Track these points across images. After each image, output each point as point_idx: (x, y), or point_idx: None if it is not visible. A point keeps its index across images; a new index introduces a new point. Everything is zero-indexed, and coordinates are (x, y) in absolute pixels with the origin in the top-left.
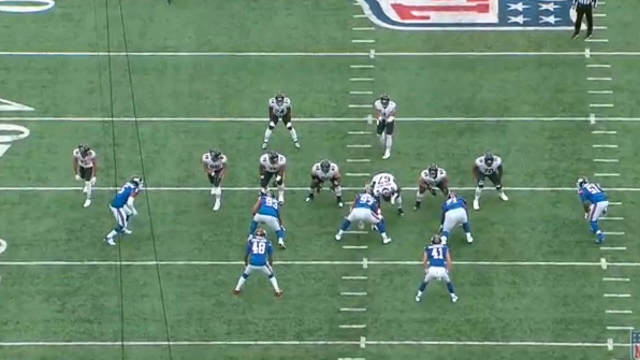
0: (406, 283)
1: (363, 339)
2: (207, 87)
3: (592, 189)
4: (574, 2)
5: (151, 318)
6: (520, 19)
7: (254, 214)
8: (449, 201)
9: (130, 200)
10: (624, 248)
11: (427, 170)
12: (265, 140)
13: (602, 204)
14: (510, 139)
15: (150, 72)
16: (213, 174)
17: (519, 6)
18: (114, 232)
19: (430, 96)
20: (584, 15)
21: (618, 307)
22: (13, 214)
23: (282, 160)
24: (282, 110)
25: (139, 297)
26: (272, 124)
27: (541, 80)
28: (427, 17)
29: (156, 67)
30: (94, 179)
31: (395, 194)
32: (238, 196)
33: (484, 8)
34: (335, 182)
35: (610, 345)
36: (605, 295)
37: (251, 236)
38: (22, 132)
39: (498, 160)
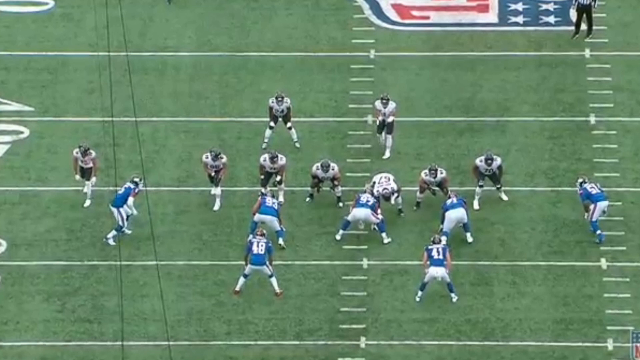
0: (406, 283)
1: (363, 339)
2: (207, 87)
3: (592, 189)
4: (574, 2)
5: (151, 318)
6: (520, 19)
7: (254, 214)
8: (449, 201)
9: (130, 200)
10: (624, 248)
11: (427, 170)
12: (265, 140)
13: (602, 204)
14: (510, 139)
15: (150, 72)
16: (213, 174)
17: (519, 6)
18: (114, 232)
19: (430, 96)
20: (584, 15)
21: (618, 307)
22: (13, 214)
23: (282, 160)
24: (282, 110)
25: (139, 297)
26: (272, 124)
27: (541, 80)
28: (427, 17)
29: (156, 67)
30: (94, 179)
31: (395, 194)
32: (238, 196)
33: (484, 8)
34: (335, 182)
35: (610, 345)
36: (605, 295)
37: (251, 236)
38: (22, 132)
39: (498, 160)
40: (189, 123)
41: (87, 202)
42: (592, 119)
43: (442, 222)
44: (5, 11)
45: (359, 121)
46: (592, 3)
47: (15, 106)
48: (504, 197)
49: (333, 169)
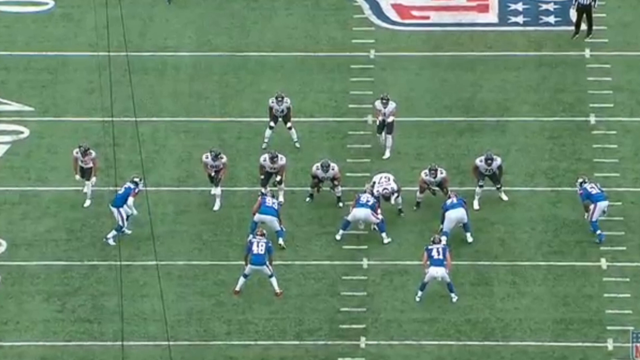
0: (406, 283)
1: (363, 339)
2: (207, 87)
3: (592, 189)
4: (574, 2)
5: (151, 318)
6: (520, 19)
7: (254, 214)
8: (449, 201)
9: (130, 200)
10: (624, 248)
11: (427, 170)
12: (265, 140)
13: (602, 204)
14: (510, 139)
15: (150, 72)
16: (213, 174)
17: (519, 6)
18: (114, 232)
19: (430, 96)
20: (584, 15)
21: (618, 307)
22: (13, 214)
23: (282, 160)
24: (282, 110)
25: (139, 297)
26: (272, 124)
27: (541, 80)
28: (427, 17)
29: (156, 67)
30: (94, 179)
31: (395, 194)
32: (238, 196)
33: (484, 8)
34: (335, 182)
35: (610, 345)
36: (605, 295)
37: (251, 236)
38: (22, 132)
39: (498, 160)
40: (189, 123)
41: (87, 202)
42: (592, 119)
43: (442, 222)
44: (5, 11)
45: (359, 121)
46: (592, 3)
47: (15, 106)
48: (504, 197)
49: (333, 169)
